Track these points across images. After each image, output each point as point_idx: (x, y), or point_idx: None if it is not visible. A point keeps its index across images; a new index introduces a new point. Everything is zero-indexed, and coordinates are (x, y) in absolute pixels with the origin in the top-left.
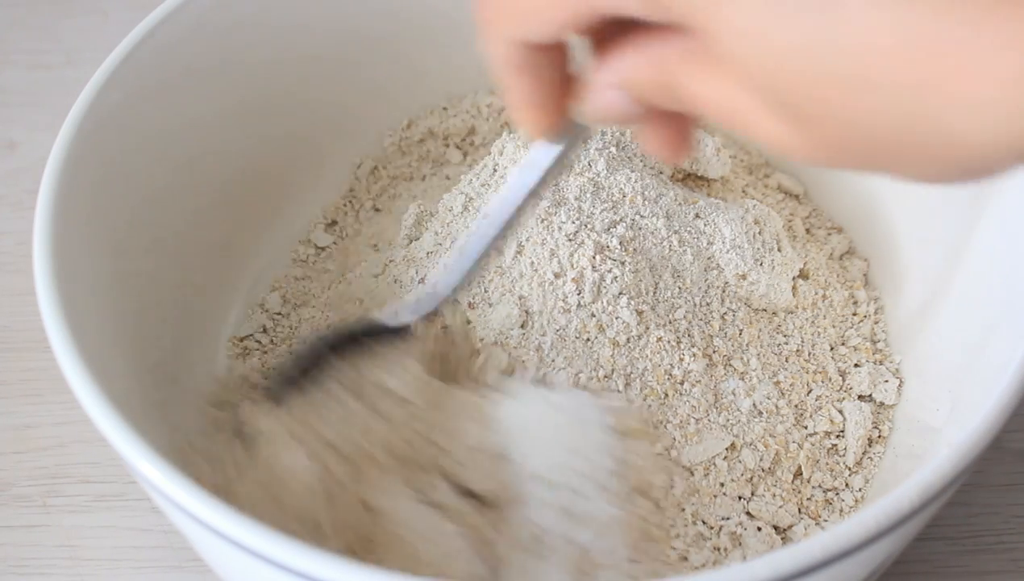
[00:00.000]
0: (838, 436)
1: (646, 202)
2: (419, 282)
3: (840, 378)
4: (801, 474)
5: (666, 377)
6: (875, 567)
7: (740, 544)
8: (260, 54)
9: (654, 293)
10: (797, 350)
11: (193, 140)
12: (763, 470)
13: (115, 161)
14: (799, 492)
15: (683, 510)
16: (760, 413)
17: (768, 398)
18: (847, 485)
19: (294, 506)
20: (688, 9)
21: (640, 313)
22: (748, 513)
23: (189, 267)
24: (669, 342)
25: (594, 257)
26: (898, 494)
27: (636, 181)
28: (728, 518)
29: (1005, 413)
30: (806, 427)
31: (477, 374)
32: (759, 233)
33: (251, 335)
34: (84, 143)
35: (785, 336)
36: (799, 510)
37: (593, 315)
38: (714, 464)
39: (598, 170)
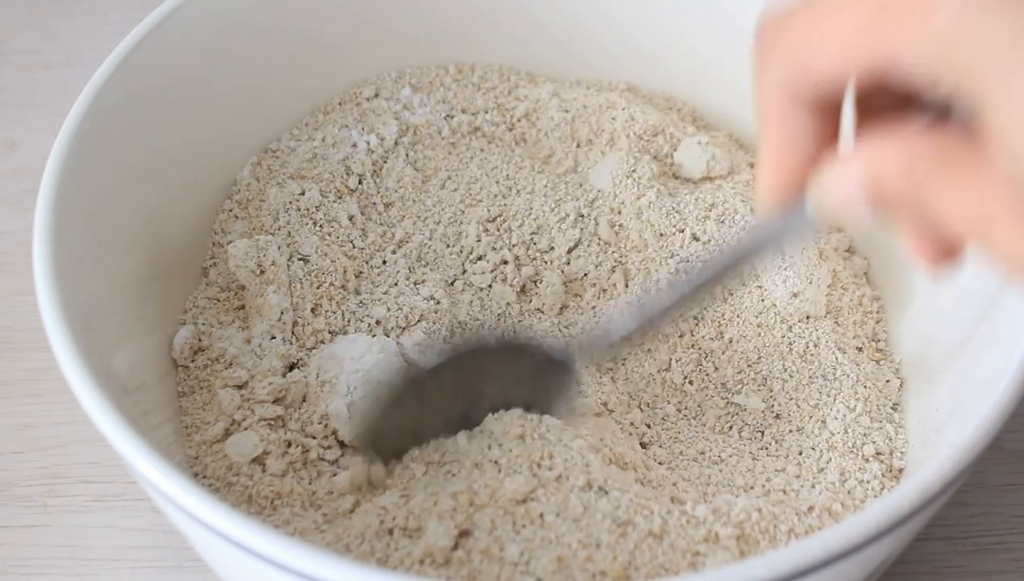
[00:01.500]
0: None
1: None
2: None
3: None
4: None
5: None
6: (875, 567)
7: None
8: (260, 53)
9: None
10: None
11: (193, 140)
12: None
13: (115, 161)
14: None
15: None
16: None
17: None
18: None
19: None
20: (967, 70)
21: None
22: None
23: (190, 266)
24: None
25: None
26: (898, 494)
27: None
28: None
29: (1005, 413)
30: None
31: None
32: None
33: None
34: (84, 143)
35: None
36: None
37: None
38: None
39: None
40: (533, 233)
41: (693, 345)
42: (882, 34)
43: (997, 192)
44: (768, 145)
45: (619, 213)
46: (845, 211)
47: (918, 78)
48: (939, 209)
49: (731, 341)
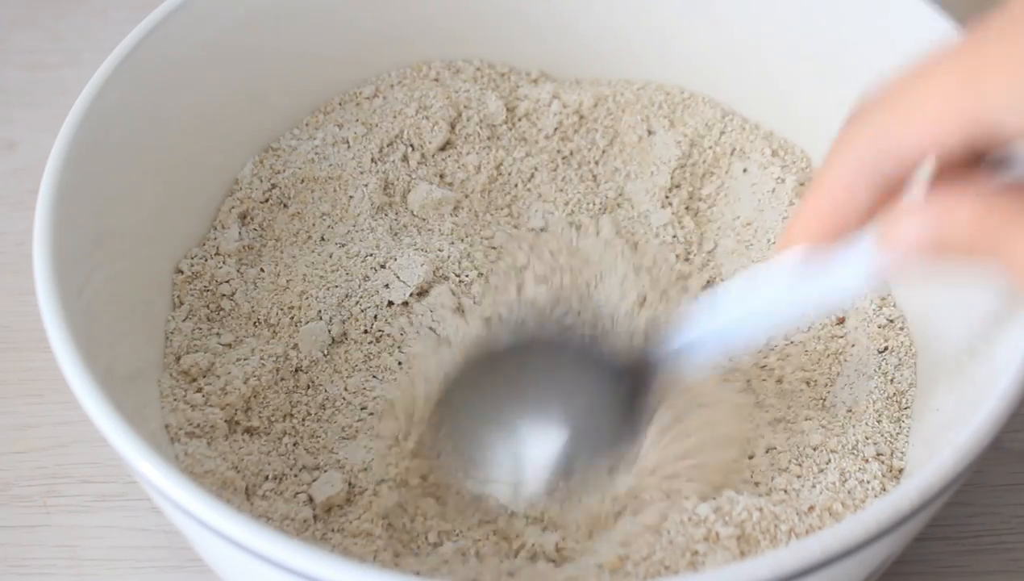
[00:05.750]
0: None
1: None
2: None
3: None
4: None
5: None
6: (875, 567)
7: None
8: (261, 53)
9: None
10: None
11: (193, 140)
12: None
13: (115, 161)
14: None
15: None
16: None
17: None
18: None
19: None
20: None
21: None
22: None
23: None
24: None
25: None
26: (898, 494)
27: None
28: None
29: (1005, 413)
30: None
31: None
32: None
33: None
34: (84, 143)
35: None
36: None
37: None
38: None
39: None
40: (542, 229)
41: None
42: (974, 92)
43: None
44: (821, 199)
45: None
46: (905, 256)
47: (1012, 129)
48: (1008, 259)
49: None
